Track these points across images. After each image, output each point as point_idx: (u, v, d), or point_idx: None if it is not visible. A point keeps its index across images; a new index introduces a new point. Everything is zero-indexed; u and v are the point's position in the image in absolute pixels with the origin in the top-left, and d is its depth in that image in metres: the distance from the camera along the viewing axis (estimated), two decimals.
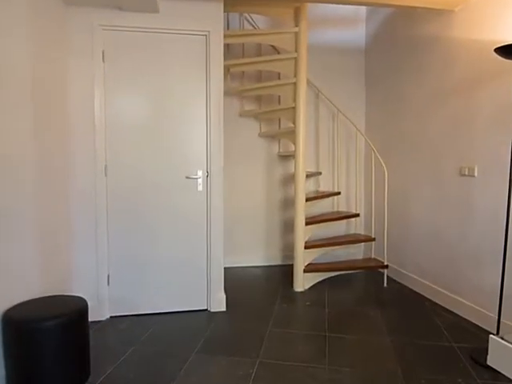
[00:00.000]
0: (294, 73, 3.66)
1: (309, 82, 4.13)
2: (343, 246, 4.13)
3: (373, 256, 4.25)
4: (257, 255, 4.67)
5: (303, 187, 3.70)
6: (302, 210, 3.71)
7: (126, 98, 3.04)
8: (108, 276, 3.07)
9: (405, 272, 3.94)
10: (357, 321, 3.05)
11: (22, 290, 2.28)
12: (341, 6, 4.65)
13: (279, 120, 4.60)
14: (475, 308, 2.99)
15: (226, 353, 2.52)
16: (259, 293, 3.70)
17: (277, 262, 4.71)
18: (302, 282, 3.76)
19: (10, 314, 2.06)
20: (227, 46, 4.31)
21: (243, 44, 4.40)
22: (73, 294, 2.88)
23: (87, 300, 2.34)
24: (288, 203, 4.70)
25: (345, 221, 4.68)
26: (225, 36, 3.29)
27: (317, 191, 4.62)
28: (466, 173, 3.08)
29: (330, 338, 2.74)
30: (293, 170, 4.61)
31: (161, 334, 2.80)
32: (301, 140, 3.67)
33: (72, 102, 2.93)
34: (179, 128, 3.13)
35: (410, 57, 3.84)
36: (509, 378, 2.23)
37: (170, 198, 3.14)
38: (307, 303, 3.42)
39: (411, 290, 3.77)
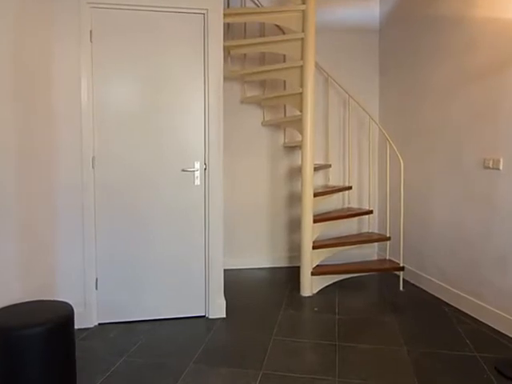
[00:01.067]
0: (300, 55, 3.64)
1: (317, 66, 4.09)
2: (355, 245, 4.11)
3: (388, 257, 4.22)
4: (260, 256, 4.66)
5: (311, 181, 3.68)
6: (309, 207, 3.69)
7: (115, 83, 3.01)
8: (96, 279, 3.06)
9: (423, 274, 3.92)
10: (370, 328, 3.04)
11: (2, 295, 2.27)
12: None
13: (284, 107, 4.58)
14: (500, 314, 2.96)
15: (226, 364, 2.51)
16: (262, 298, 3.69)
17: (282, 263, 4.70)
18: (310, 285, 3.74)
19: None
20: (227, 26, 4.28)
21: (245, 23, 4.37)
22: (57, 299, 2.86)
23: (73, 305, 2.32)
24: (294, 199, 4.68)
25: (357, 218, 4.66)
26: (224, 15, 3.26)
27: (326, 186, 4.60)
28: (491, 165, 3.04)
29: (341, 347, 2.73)
30: (299, 163, 4.58)
31: (154, 343, 2.79)
32: (308, 129, 3.64)
33: (56, 86, 2.90)
34: (174, 116, 3.11)
35: (428, 38, 3.80)
36: None
37: (164, 192, 3.12)
38: (315, 309, 3.41)
39: (430, 294, 3.75)
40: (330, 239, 4.10)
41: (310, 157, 3.66)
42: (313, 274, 3.74)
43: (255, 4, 4.31)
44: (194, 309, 3.22)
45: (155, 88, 3.07)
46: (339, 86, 4.35)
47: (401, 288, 3.87)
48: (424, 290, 3.85)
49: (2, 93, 2.27)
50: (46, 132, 2.80)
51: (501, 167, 2.96)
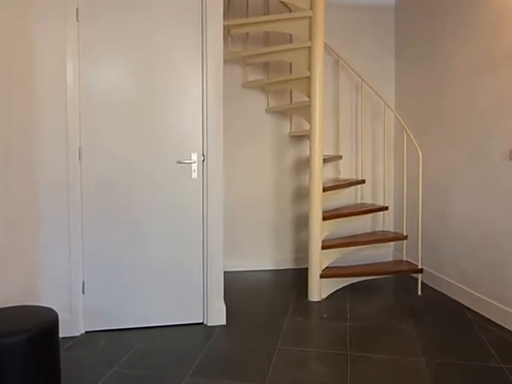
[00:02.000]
0: (308, 35, 3.62)
1: (326, 47, 4.06)
2: (369, 245, 4.10)
3: (404, 258, 4.21)
4: (263, 257, 4.66)
5: (320, 174, 3.67)
6: (318, 203, 3.68)
7: (105, 66, 3.00)
8: (83, 282, 3.06)
9: (443, 277, 3.91)
10: (385, 337, 3.03)
11: None
12: None
13: (291, 92, 4.57)
14: None
15: (226, 375, 2.50)
16: (266, 303, 3.70)
17: (287, 265, 4.70)
18: (319, 289, 3.74)
19: None
20: (228, 3, 4.25)
21: (247, 0, 4.35)
22: (40, 305, 2.86)
23: (58, 311, 2.31)
24: (301, 194, 4.67)
25: (370, 215, 4.64)
26: None
27: (337, 179, 4.58)
28: None
29: (352, 357, 2.72)
30: (307, 154, 4.57)
31: (147, 353, 2.79)
32: (317, 117, 3.63)
33: (39, 70, 2.88)
34: (169, 102, 3.09)
35: (450, 16, 3.76)
36: None
37: (158, 187, 3.11)
38: (324, 315, 3.41)
39: (450, 298, 3.75)
40: (340, 238, 4.10)
41: (318, 147, 3.64)
42: (322, 276, 3.73)
43: None
44: (190, 315, 3.21)
45: (148, 71, 3.05)
46: (351, 69, 4.32)
47: (419, 292, 3.86)
48: (443, 294, 3.84)
49: None
50: (26, 120, 2.79)
51: None
